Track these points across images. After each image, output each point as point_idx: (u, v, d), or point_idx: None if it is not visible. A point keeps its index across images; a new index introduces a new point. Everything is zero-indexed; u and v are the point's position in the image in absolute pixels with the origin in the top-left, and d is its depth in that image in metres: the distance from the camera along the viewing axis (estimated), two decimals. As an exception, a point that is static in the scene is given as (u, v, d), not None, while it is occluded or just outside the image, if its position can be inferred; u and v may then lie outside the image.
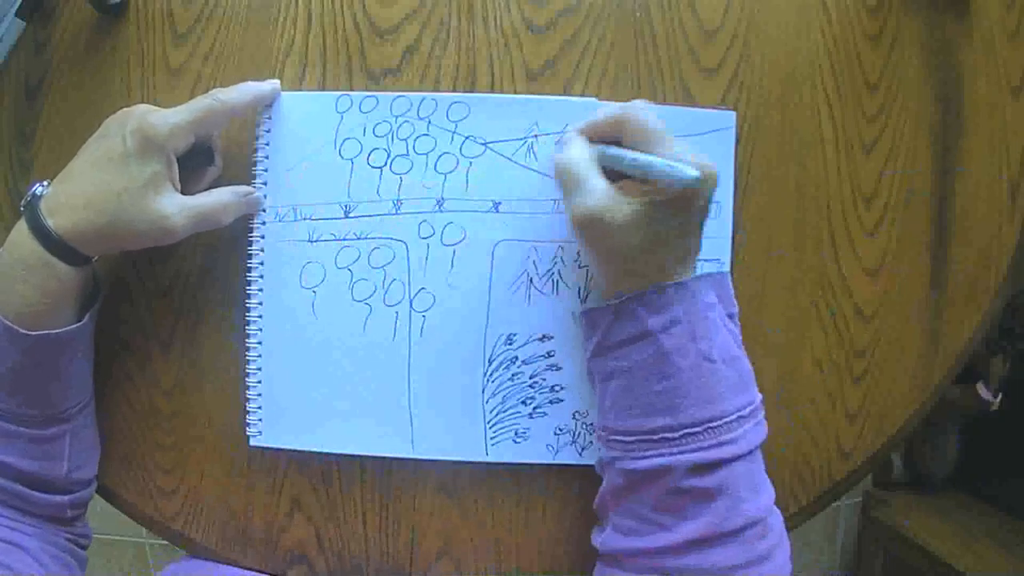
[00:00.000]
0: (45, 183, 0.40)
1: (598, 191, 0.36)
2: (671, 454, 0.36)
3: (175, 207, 0.40)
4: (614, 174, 0.37)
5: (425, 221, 0.45)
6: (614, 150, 0.37)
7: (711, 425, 0.36)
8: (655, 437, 0.36)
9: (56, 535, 0.43)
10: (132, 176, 0.39)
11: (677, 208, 0.35)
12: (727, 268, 0.45)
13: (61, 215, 0.39)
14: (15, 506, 0.41)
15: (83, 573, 0.45)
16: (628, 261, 0.37)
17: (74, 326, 0.41)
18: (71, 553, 0.44)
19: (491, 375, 0.45)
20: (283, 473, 0.47)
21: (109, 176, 0.39)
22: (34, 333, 0.39)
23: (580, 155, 0.38)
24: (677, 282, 0.37)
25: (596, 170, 0.37)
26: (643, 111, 0.37)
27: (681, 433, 0.36)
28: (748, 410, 0.37)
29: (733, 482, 0.36)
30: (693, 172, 0.33)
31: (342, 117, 0.45)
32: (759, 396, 0.38)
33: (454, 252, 0.45)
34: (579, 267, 0.45)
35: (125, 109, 0.41)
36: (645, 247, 0.36)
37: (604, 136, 0.39)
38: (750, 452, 0.37)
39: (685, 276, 0.37)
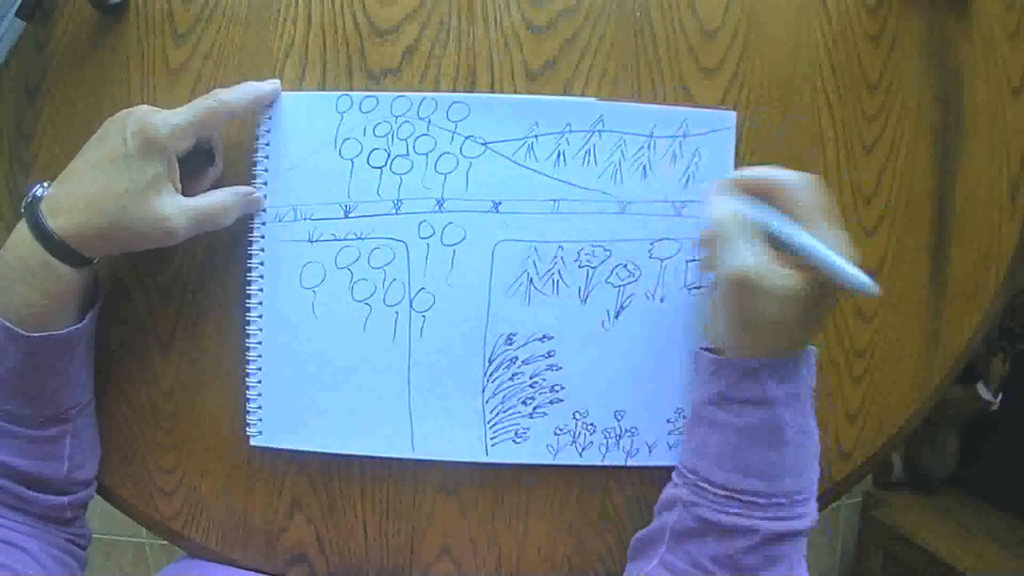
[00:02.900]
0: (46, 184, 0.40)
1: (749, 250, 0.36)
2: (757, 518, 0.37)
3: (176, 208, 0.40)
4: (762, 236, 0.37)
5: (425, 221, 0.45)
6: (783, 225, 0.36)
7: (796, 497, 0.37)
8: (744, 498, 0.37)
9: (55, 535, 0.43)
10: (133, 178, 0.39)
11: (836, 295, 0.36)
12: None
13: (62, 217, 0.39)
14: (14, 507, 0.41)
15: (83, 573, 0.45)
16: (765, 330, 0.37)
17: (74, 327, 0.41)
18: (71, 554, 0.44)
19: (491, 375, 0.45)
20: (283, 473, 0.47)
21: (110, 177, 0.39)
22: (35, 334, 0.39)
23: (732, 211, 0.38)
24: (803, 358, 0.38)
25: (747, 228, 0.37)
26: (810, 187, 0.37)
27: (771, 501, 0.37)
28: (815, 487, 0.39)
29: (795, 553, 0.37)
30: (871, 284, 0.33)
31: (342, 117, 0.45)
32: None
33: (454, 252, 0.45)
34: (579, 267, 0.45)
35: (126, 110, 0.41)
36: (786, 320, 0.36)
37: (754, 193, 0.39)
38: (810, 526, 0.38)
39: (804, 351, 0.38)
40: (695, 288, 0.45)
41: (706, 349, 0.41)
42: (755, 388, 0.37)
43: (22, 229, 0.39)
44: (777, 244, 0.37)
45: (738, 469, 0.38)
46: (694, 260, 0.45)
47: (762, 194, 0.38)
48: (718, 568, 0.37)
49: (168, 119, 0.40)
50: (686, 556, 0.38)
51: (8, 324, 0.39)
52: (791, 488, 0.37)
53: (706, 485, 0.38)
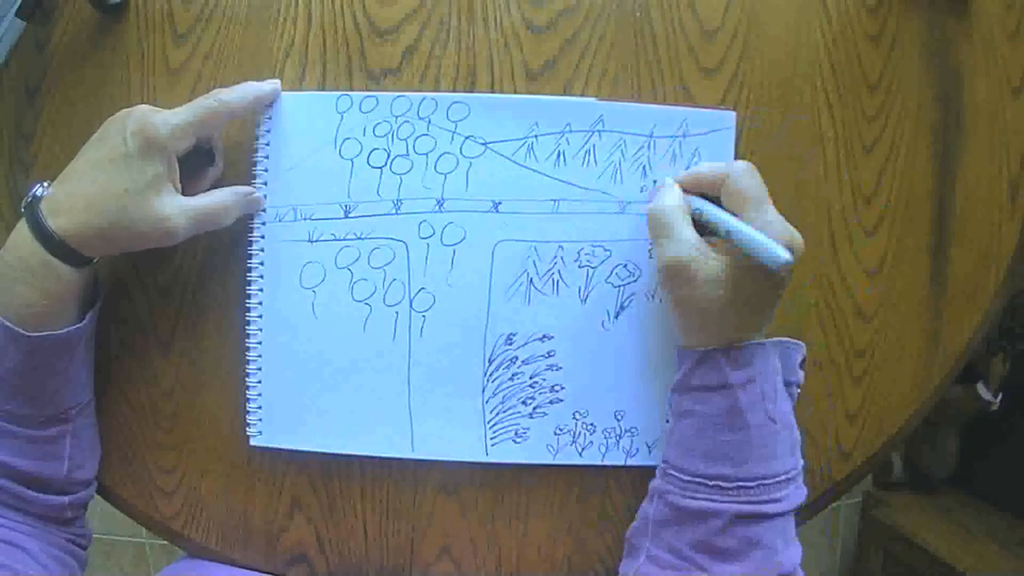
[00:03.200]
0: (46, 184, 0.40)
1: (687, 241, 0.38)
2: (723, 502, 0.37)
3: (176, 208, 0.40)
4: (704, 229, 0.39)
5: (425, 221, 0.45)
6: (712, 212, 0.39)
7: (764, 482, 0.38)
8: (709, 483, 0.38)
9: (56, 535, 0.43)
10: (133, 177, 0.39)
11: (761, 274, 0.37)
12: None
13: (62, 216, 0.39)
14: (15, 507, 0.41)
15: (83, 573, 0.45)
16: (706, 315, 0.38)
17: (74, 327, 0.41)
18: (71, 553, 0.44)
19: (491, 375, 0.45)
20: (283, 473, 0.47)
21: (110, 177, 0.39)
22: (35, 334, 0.39)
23: (673, 203, 0.40)
24: (759, 342, 0.39)
25: (687, 220, 0.39)
26: (747, 175, 0.39)
27: (735, 485, 0.37)
28: (793, 473, 0.39)
29: (771, 536, 0.37)
30: (785, 255, 0.34)
31: (342, 117, 0.45)
32: (802, 462, 0.40)
33: (454, 252, 0.45)
34: (579, 267, 0.45)
35: (126, 110, 0.41)
36: (724, 305, 0.38)
37: (702, 189, 0.41)
38: (789, 511, 0.38)
39: (759, 338, 0.39)
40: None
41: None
42: (712, 374, 0.38)
43: (22, 229, 0.39)
44: (710, 231, 0.39)
45: (703, 455, 0.38)
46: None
47: (711, 189, 0.40)
48: (695, 552, 0.38)
49: (168, 119, 0.40)
50: (666, 545, 0.39)
51: (8, 324, 0.39)
52: (758, 473, 0.37)
53: (676, 472, 0.39)
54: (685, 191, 0.41)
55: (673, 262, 0.38)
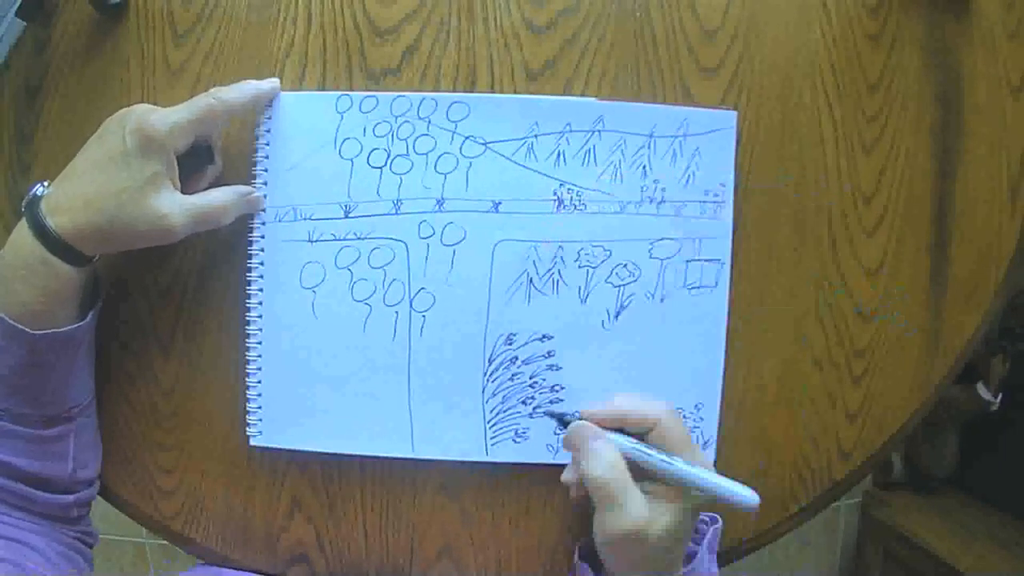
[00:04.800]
0: (45, 183, 0.40)
1: (638, 506, 0.35)
2: None
3: (175, 206, 0.40)
4: (634, 466, 0.37)
5: (425, 221, 0.45)
6: (662, 461, 0.37)
7: None
8: None
9: (63, 534, 0.43)
10: (132, 175, 0.39)
11: (698, 511, 0.38)
12: (727, 269, 0.45)
13: (62, 215, 0.39)
14: (21, 507, 0.41)
15: (91, 571, 0.45)
16: (653, 562, 0.37)
17: (75, 325, 0.41)
18: (79, 552, 0.44)
19: (491, 375, 0.45)
20: (283, 473, 0.47)
21: (109, 176, 0.39)
22: (36, 332, 0.39)
23: (613, 464, 0.36)
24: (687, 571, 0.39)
25: (630, 480, 0.36)
26: (677, 417, 0.38)
27: None
28: None
29: None
30: (754, 498, 0.36)
31: (342, 117, 0.45)
32: None
33: (454, 252, 0.45)
34: (579, 267, 0.45)
35: (125, 109, 0.41)
36: (672, 546, 0.37)
37: (621, 425, 0.38)
38: None
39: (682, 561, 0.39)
40: (695, 288, 0.45)
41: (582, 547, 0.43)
42: None
43: (22, 228, 0.39)
44: (653, 475, 0.37)
45: None
46: (694, 260, 0.45)
47: (627, 425, 0.38)
48: None
49: (167, 117, 0.40)
50: None
51: (9, 322, 0.39)
52: None
53: None
54: (603, 425, 0.38)
55: (624, 531, 0.35)
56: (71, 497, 0.43)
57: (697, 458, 0.37)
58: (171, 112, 0.40)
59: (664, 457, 0.37)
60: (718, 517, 0.44)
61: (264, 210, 0.45)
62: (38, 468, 0.41)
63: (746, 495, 0.36)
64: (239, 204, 0.44)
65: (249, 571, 0.48)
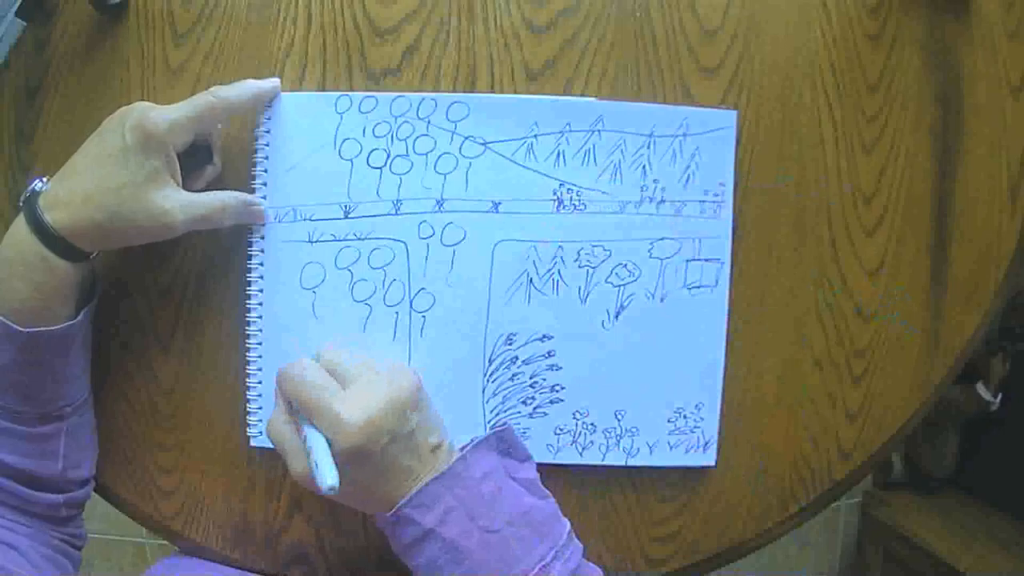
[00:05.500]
0: (44, 179, 0.40)
1: (300, 456, 0.38)
2: None
3: (175, 202, 0.40)
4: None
5: (425, 221, 0.45)
6: (306, 431, 0.38)
7: None
8: None
9: (50, 535, 0.43)
10: (132, 172, 0.39)
11: (354, 459, 0.37)
12: (727, 269, 0.45)
13: (60, 211, 0.39)
14: (8, 504, 0.41)
15: (78, 573, 0.45)
16: (365, 493, 0.39)
17: (69, 323, 0.41)
18: (64, 554, 0.44)
19: (491, 375, 0.45)
20: (283, 473, 0.47)
21: (109, 172, 0.39)
22: (29, 329, 0.39)
23: (281, 424, 0.40)
24: (437, 475, 0.38)
25: (293, 433, 0.39)
26: (294, 378, 0.39)
27: None
28: (551, 554, 0.38)
29: None
30: (329, 482, 0.35)
31: (342, 117, 0.45)
32: (566, 526, 0.40)
33: (454, 252, 0.45)
34: (579, 267, 0.45)
35: (125, 107, 0.41)
36: (364, 484, 0.38)
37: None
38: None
39: (441, 466, 0.39)
40: (695, 288, 0.45)
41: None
42: (411, 528, 0.38)
43: (20, 224, 0.39)
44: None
45: None
46: (694, 260, 0.45)
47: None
48: None
49: (167, 114, 0.40)
50: None
51: (2, 318, 0.38)
52: None
53: None
54: None
55: (300, 478, 0.38)
56: (61, 497, 0.43)
57: (322, 419, 0.37)
58: (171, 109, 0.40)
59: (305, 428, 0.38)
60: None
61: (265, 221, 0.45)
62: (28, 465, 0.41)
63: (320, 474, 0.35)
64: (240, 208, 0.44)
65: (249, 571, 0.48)
